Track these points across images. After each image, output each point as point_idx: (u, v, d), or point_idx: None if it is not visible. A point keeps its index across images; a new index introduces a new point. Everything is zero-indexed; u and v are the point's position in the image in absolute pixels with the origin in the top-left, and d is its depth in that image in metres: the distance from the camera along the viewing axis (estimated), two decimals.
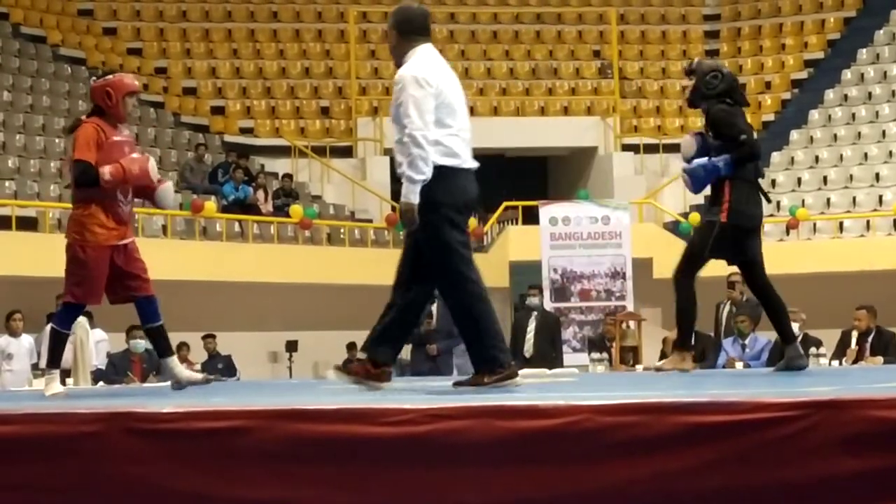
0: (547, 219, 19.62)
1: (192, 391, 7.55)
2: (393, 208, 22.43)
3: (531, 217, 21.13)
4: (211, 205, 19.55)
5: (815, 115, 24.96)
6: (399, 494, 4.18)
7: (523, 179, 25.74)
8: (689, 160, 8.20)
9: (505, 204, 22.46)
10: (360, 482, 4.19)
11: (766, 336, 13.50)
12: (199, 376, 8.00)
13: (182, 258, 17.96)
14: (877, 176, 22.95)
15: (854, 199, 22.57)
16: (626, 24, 27.83)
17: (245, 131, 24.59)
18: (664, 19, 28.28)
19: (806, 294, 16.79)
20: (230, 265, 18.96)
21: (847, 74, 25.53)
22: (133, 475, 4.28)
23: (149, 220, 18.63)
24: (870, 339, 13.73)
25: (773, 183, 23.57)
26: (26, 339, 15.15)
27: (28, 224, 18.00)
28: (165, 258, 15.42)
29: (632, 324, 16.04)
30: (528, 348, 15.08)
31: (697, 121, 8.49)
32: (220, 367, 16.98)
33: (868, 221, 21.81)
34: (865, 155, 23.51)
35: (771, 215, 22.50)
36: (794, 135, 24.66)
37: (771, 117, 25.74)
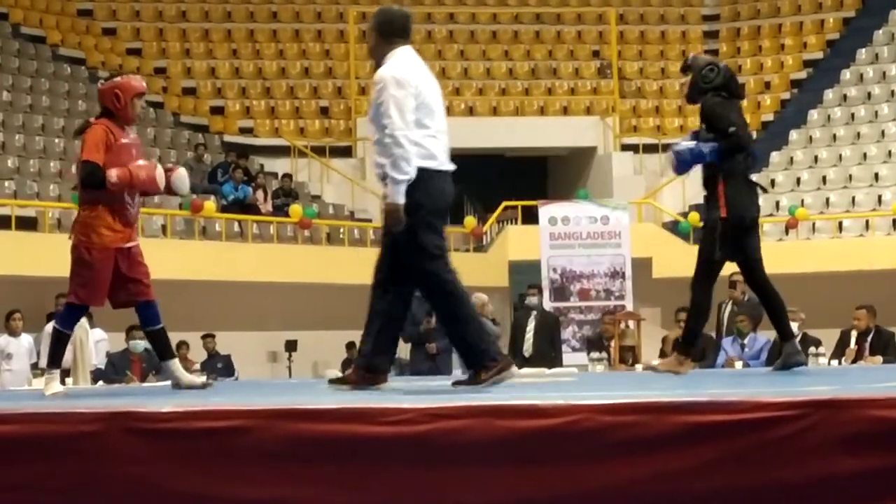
0: (546, 218, 19.62)
1: (192, 390, 7.56)
2: None
3: (530, 217, 21.13)
4: (210, 205, 19.54)
5: (814, 115, 24.97)
6: (399, 494, 4.19)
7: (522, 179, 25.75)
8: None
9: (504, 204, 22.47)
10: (360, 482, 4.20)
11: (765, 335, 13.51)
12: (199, 381, 8.00)
13: (181, 258, 17.96)
14: (876, 176, 22.95)
15: (853, 198, 22.57)
16: (626, 25, 27.84)
17: (244, 131, 24.59)
18: (663, 19, 28.29)
19: (805, 294, 16.78)
20: (229, 265, 18.96)
21: (846, 74, 25.53)
22: (133, 475, 4.28)
23: (148, 219, 18.62)
24: (869, 338, 13.73)
25: (773, 183, 23.58)
26: (26, 339, 15.15)
27: (27, 224, 18.00)
28: (165, 258, 15.40)
29: (631, 323, 16.03)
30: (528, 348, 15.07)
31: (697, 120, 8.47)
32: (219, 366, 16.99)
33: (867, 221, 21.82)
34: (864, 155, 23.51)
35: (770, 215, 22.52)
36: (794, 135, 24.67)
37: (770, 117, 25.75)
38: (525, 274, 19.58)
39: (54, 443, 4.32)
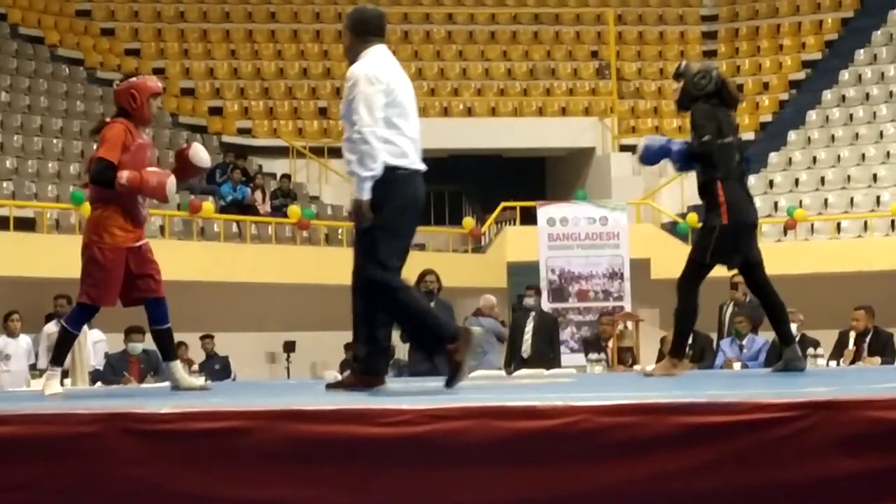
0: (545, 219, 19.61)
1: (191, 391, 7.56)
2: None
3: (529, 218, 21.13)
4: (209, 205, 19.54)
5: (812, 115, 24.97)
6: (398, 495, 4.19)
7: (521, 180, 25.76)
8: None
9: (503, 204, 22.47)
10: (359, 482, 4.20)
11: (763, 337, 13.51)
12: (198, 383, 7.99)
13: (180, 258, 17.93)
14: (874, 176, 22.95)
15: (852, 199, 22.57)
16: (624, 25, 27.85)
17: (243, 132, 24.59)
18: (662, 20, 28.29)
19: (803, 295, 16.77)
20: (228, 266, 18.95)
21: (845, 75, 25.54)
22: (131, 476, 4.28)
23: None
24: (867, 339, 13.74)
25: (771, 183, 23.60)
26: (24, 340, 15.14)
27: (26, 224, 18.00)
28: (163, 258, 15.24)
29: (629, 324, 16.03)
30: (526, 349, 15.06)
31: None
32: (217, 367, 16.99)
33: (866, 222, 21.82)
34: (863, 156, 23.52)
35: (768, 216, 22.53)
36: (792, 135, 24.68)
37: (769, 118, 25.77)
38: (523, 275, 19.58)
39: (53, 444, 4.32)
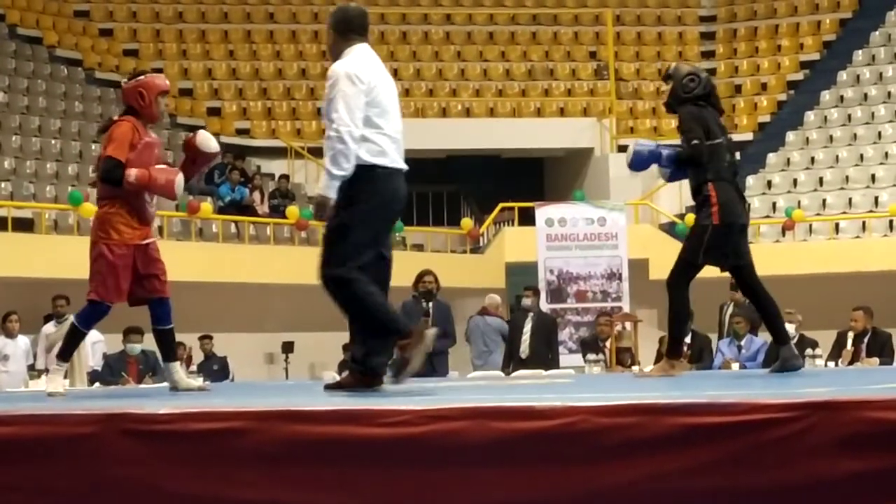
0: (543, 220, 19.61)
1: (189, 392, 7.56)
2: None
3: (527, 218, 21.13)
4: (207, 206, 19.54)
5: (810, 116, 24.98)
6: (395, 496, 4.19)
7: (519, 180, 25.76)
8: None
9: (501, 205, 22.46)
10: (357, 483, 4.19)
11: (762, 337, 13.51)
12: (197, 384, 8.00)
13: (178, 259, 17.83)
14: (873, 177, 22.96)
15: (850, 200, 22.58)
16: (623, 26, 27.85)
17: (241, 132, 24.59)
18: (660, 21, 28.30)
19: (802, 295, 16.78)
20: (226, 266, 18.94)
21: (843, 76, 25.55)
22: (129, 476, 4.27)
23: None
24: (866, 339, 13.74)
25: (769, 184, 23.61)
26: (22, 341, 15.14)
27: (24, 225, 17.99)
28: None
29: (628, 325, 16.03)
30: (524, 349, 15.06)
31: None
32: (215, 368, 16.99)
33: (864, 223, 21.82)
34: (861, 156, 23.53)
35: (767, 216, 22.56)
36: (790, 136, 24.68)
37: (767, 118, 25.77)
38: (522, 275, 19.58)
39: (51, 444, 4.31)
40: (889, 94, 24.66)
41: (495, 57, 27.10)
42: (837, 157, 23.73)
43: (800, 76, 26.47)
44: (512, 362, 14.77)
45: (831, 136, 24.32)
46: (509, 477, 4.15)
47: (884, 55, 25.65)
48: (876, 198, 22.32)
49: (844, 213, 22.33)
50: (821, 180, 23.38)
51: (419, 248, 22.57)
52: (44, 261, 16.68)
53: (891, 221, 21.36)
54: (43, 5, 25.26)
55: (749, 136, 25.30)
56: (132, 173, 7.31)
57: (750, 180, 23.73)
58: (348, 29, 6.67)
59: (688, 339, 13.73)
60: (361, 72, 6.46)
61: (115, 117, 7.75)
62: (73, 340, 7.64)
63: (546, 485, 4.13)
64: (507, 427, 4.18)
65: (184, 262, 18.04)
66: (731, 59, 27.32)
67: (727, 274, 8.58)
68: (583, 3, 28.33)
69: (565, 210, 19.93)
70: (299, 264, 19.65)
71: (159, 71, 25.35)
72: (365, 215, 6.43)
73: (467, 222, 22.47)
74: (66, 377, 10.32)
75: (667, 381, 7.38)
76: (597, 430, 4.14)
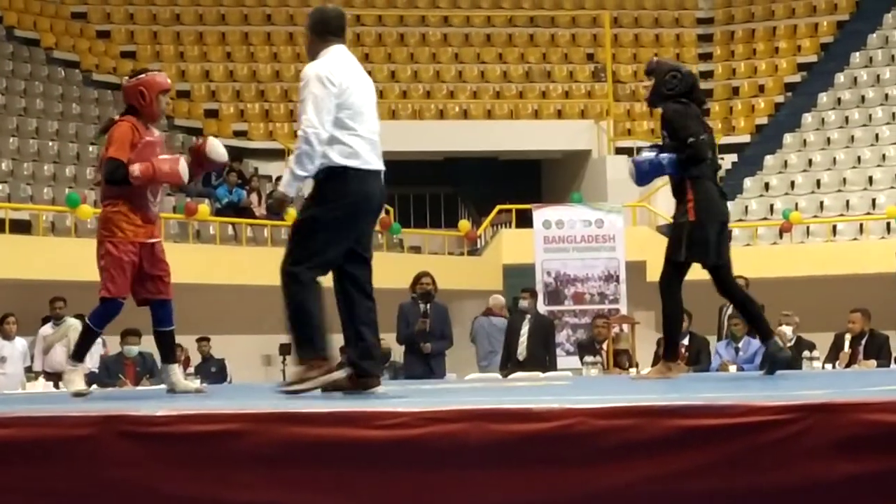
0: (540, 222, 19.61)
1: (186, 394, 7.57)
2: (387, 211, 22.45)
3: (525, 220, 21.13)
4: (205, 208, 19.53)
5: (808, 118, 24.99)
6: (393, 498, 4.19)
7: (517, 182, 25.77)
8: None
9: (498, 207, 22.46)
10: (354, 485, 4.19)
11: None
12: (194, 386, 8.01)
13: (175, 261, 17.71)
14: (870, 179, 22.97)
15: (847, 202, 22.58)
16: (620, 28, 27.85)
17: (239, 134, 24.59)
18: (658, 23, 28.30)
19: (799, 297, 16.80)
20: (224, 268, 18.94)
21: (840, 78, 25.56)
22: (127, 478, 4.27)
23: None
24: (863, 342, 13.72)
25: (767, 186, 23.62)
26: (20, 343, 15.14)
27: (21, 227, 17.98)
28: None
29: (625, 327, 16.02)
30: (522, 352, 15.05)
31: None
32: (213, 370, 16.99)
33: (861, 225, 21.83)
34: (859, 158, 23.54)
35: (764, 218, 22.57)
36: (788, 138, 24.69)
37: (764, 120, 25.78)
38: (519, 277, 19.57)
39: (48, 446, 4.31)
40: (886, 96, 24.67)
41: (493, 59, 27.10)
42: (835, 159, 23.74)
43: (797, 78, 26.48)
44: (509, 364, 14.77)
45: (829, 139, 24.33)
46: (507, 479, 4.16)
47: (881, 57, 25.66)
48: (873, 200, 22.33)
49: (842, 215, 22.33)
50: (818, 182, 23.39)
51: (416, 249, 22.57)
52: (41, 262, 16.67)
53: (888, 223, 21.36)
54: (40, 7, 25.25)
55: (746, 138, 25.31)
56: (136, 169, 7.34)
57: (747, 182, 23.75)
58: (325, 30, 6.66)
59: (686, 341, 13.74)
60: (333, 73, 6.45)
61: (116, 117, 7.76)
62: (86, 340, 7.67)
63: (543, 487, 4.13)
64: (505, 429, 4.18)
65: (181, 263, 17.94)
66: (728, 61, 27.32)
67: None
68: (580, 5, 28.33)
69: (563, 212, 19.93)
70: None
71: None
72: (333, 215, 6.43)
73: (465, 224, 22.47)
74: (63, 379, 10.33)
75: (664, 384, 7.38)
76: (594, 432, 4.14)
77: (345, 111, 6.43)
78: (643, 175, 8.27)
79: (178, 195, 20.22)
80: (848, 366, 13.38)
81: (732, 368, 13.23)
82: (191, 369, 15.27)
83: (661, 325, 8.35)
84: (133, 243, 7.43)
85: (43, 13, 25.19)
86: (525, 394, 6.40)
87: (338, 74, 6.46)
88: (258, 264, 19.42)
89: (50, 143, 21.23)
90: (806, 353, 12.87)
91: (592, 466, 4.12)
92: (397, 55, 26.81)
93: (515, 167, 26.40)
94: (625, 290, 19.35)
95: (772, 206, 22.87)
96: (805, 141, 24.51)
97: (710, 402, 4.32)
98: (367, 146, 6.51)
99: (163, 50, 26.02)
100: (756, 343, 13.73)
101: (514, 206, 22.32)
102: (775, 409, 4.11)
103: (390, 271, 17.08)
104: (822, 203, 22.78)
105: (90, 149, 21.08)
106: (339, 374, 6.45)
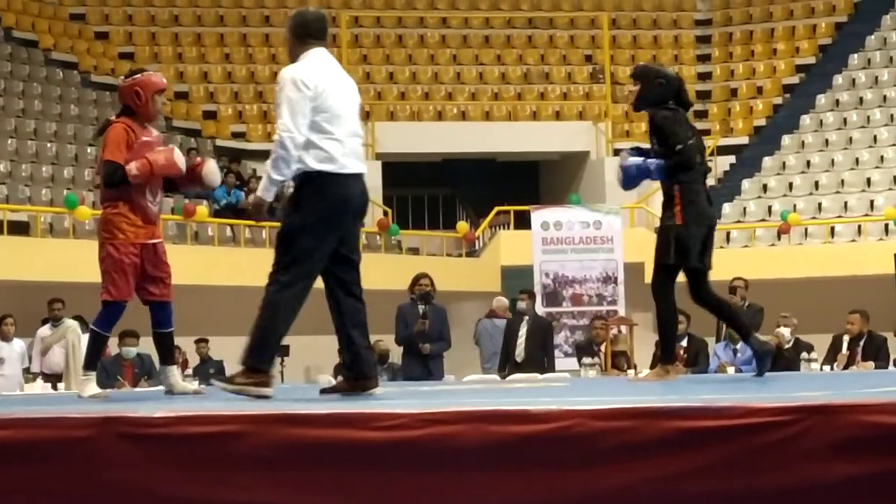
0: (538, 223, 19.62)
1: (184, 395, 7.57)
2: (385, 213, 22.46)
3: (523, 222, 21.13)
4: (203, 209, 19.53)
5: (806, 120, 24.99)
6: (392, 499, 4.19)
7: (515, 184, 25.78)
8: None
9: (496, 209, 22.48)
10: (353, 487, 4.19)
11: None
12: (192, 388, 8.01)
13: (174, 262, 17.70)
14: (868, 181, 22.98)
15: (846, 203, 22.59)
16: (618, 29, 27.85)
17: (237, 135, 24.59)
18: (656, 24, 28.31)
19: (797, 299, 16.81)
20: (222, 270, 18.94)
21: (838, 80, 25.57)
22: (125, 480, 4.27)
23: None
24: (861, 343, 13.72)
25: (765, 188, 23.63)
26: (18, 344, 15.12)
27: (19, 228, 17.98)
28: None
29: (623, 328, 16.02)
30: (520, 353, 15.05)
31: None
32: (211, 371, 16.97)
33: (859, 226, 21.84)
34: (857, 160, 23.55)
35: (762, 220, 22.58)
36: (786, 140, 24.69)
37: (762, 122, 25.78)
38: (517, 279, 19.58)
39: (47, 448, 4.31)
40: (884, 97, 24.68)
41: (491, 60, 27.10)
42: (833, 160, 23.74)
43: (795, 80, 26.48)
44: (508, 366, 14.77)
45: (827, 140, 24.34)
46: (505, 480, 4.16)
47: (879, 59, 25.67)
48: (871, 201, 22.33)
49: (840, 216, 22.34)
50: (816, 184, 23.40)
51: (415, 251, 22.58)
52: (39, 264, 16.67)
53: (886, 225, 21.37)
54: (39, 8, 25.25)
55: (745, 140, 25.31)
56: (133, 167, 7.34)
57: (745, 184, 23.76)
58: (306, 34, 6.65)
59: (684, 343, 13.75)
60: (308, 77, 6.41)
61: (112, 118, 7.76)
62: (96, 347, 7.66)
63: (542, 488, 4.13)
64: (503, 430, 4.18)
65: (179, 265, 17.89)
66: (726, 62, 27.33)
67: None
68: (579, 6, 28.33)
69: (561, 213, 19.94)
70: None
71: None
72: (312, 220, 6.40)
73: (463, 226, 22.47)
74: (62, 380, 10.34)
75: (662, 385, 7.39)
76: (592, 433, 4.14)
77: (321, 114, 6.40)
78: (630, 180, 8.31)
79: (176, 196, 20.22)
80: (846, 367, 13.38)
81: (731, 370, 13.22)
82: (189, 371, 15.28)
83: (657, 328, 8.36)
84: (134, 245, 7.42)
85: (41, 14, 25.19)
86: (523, 395, 6.40)
87: (313, 78, 6.42)
88: (256, 266, 19.28)
89: (48, 145, 21.23)
90: (804, 355, 12.88)
91: (591, 468, 4.12)
92: (395, 56, 26.81)
93: (513, 168, 26.41)
94: (623, 291, 19.35)
95: (770, 207, 22.88)
96: (803, 142, 24.52)
97: (709, 403, 4.31)
98: (344, 150, 6.46)
99: (161, 51, 26.02)
100: None
101: (512, 208, 22.33)
102: (773, 410, 4.12)
103: (389, 272, 17.12)
104: (820, 204, 22.79)
105: (88, 150, 21.07)
106: (267, 391, 6.42)
